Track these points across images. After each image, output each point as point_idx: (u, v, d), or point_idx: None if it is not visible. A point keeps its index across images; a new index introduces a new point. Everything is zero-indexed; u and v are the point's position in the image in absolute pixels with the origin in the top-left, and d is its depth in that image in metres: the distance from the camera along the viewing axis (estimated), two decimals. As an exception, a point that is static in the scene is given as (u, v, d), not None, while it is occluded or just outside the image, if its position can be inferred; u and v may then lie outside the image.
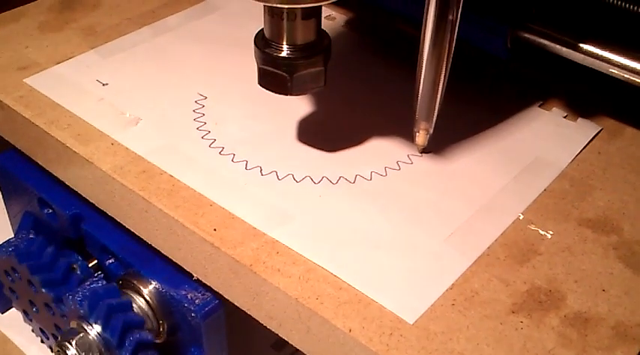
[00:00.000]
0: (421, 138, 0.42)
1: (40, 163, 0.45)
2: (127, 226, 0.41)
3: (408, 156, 0.42)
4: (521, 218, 0.39)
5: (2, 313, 0.52)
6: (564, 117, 0.46)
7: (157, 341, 0.43)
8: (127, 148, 0.41)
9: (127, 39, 0.50)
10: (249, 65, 0.41)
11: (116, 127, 0.43)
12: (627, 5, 0.44)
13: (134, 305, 0.42)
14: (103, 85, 0.46)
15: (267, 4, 0.38)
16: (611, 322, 0.34)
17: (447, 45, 0.39)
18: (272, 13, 0.39)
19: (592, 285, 0.36)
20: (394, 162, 0.42)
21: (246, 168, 0.41)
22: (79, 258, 0.47)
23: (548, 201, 0.40)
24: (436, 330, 0.33)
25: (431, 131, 0.42)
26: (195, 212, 0.38)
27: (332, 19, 0.54)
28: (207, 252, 0.37)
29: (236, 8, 0.54)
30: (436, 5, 0.38)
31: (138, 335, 0.41)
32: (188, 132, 0.43)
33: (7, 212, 0.51)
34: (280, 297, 0.35)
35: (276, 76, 0.40)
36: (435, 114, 0.41)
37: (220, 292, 0.38)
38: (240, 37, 0.50)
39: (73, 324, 0.41)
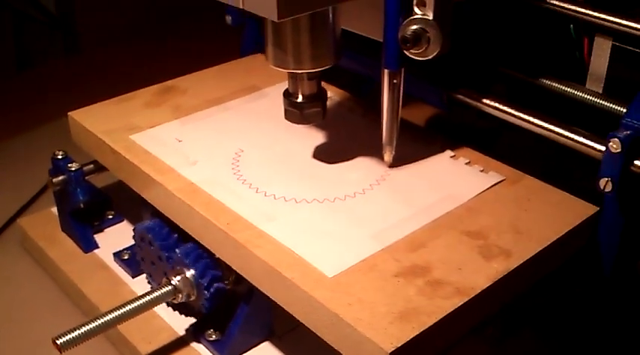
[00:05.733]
0: (387, 156, 0.71)
1: (132, 187, 0.76)
2: (181, 226, 0.71)
3: (362, 189, 0.70)
4: (422, 227, 0.65)
5: (133, 278, 0.82)
6: (481, 171, 0.72)
7: (228, 286, 0.70)
8: (185, 178, 0.72)
9: (201, 114, 0.82)
10: (277, 132, 0.71)
11: (182, 166, 0.73)
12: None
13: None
14: (179, 141, 0.77)
15: (285, 71, 0.68)
16: (457, 285, 0.59)
17: (397, 98, 0.68)
18: (291, 76, 0.69)
19: (453, 266, 0.61)
20: (352, 191, 0.70)
21: (256, 192, 0.70)
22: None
23: (446, 219, 0.66)
24: (344, 282, 0.60)
25: (393, 152, 0.71)
26: (220, 213, 0.67)
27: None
28: (222, 237, 0.66)
29: (279, 96, 0.84)
30: (388, 75, 0.67)
31: (213, 272, 0.69)
32: (226, 171, 0.73)
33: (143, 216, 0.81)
34: (259, 263, 0.63)
35: (293, 113, 0.71)
36: (395, 140, 0.70)
37: (229, 263, 0.67)
38: (277, 114, 0.80)
39: (178, 269, 0.70)
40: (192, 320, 0.76)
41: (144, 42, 1.36)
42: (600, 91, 0.74)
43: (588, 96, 0.73)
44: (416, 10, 0.65)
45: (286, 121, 0.73)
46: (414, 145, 0.75)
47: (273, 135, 0.77)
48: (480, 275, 0.60)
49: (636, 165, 0.63)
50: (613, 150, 0.62)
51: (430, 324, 0.56)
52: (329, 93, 0.82)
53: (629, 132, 0.63)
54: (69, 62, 1.38)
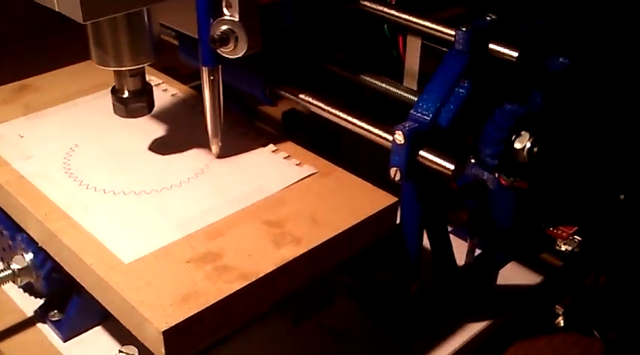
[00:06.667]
0: (214, 148, 0.77)
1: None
2: (9, 214, 0.77)
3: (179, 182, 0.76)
4: (226, 217, 0.71)
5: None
6: (297, 164, 0.78)
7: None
8: (17, 171, 0.77)
9: (48, 110, 0.87)
10: (116, 127, 0.77)
11: (16, 160, 0.78)
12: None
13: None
14: (21, 137, 0.83)
15: (108, 69, 0.74)
16: (242, 271, 0.65)
17: (217, 93, 0.74)
18: (115, 73, 0.75)
19: (245, 253, 0.67)
20: (170, 184, 0.75)
21: (80, 184, 0.75)
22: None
23: (251, 209, 0.72)
24: (138, 267, 0.65)
25: (219, 144, 0.76)
26: (41, 205, 0.72)
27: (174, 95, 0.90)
28: (40, 226, 0.71)
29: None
30: (206, 72, 0.73)
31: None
32: (56, 165, 0.78)
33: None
34: (67, 250, 0.68)
35: (119, 107, 0.76)
36: (219, 133, 0.76)
37: (48, 251, 0.72)
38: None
39: (19, 254, 0.76)
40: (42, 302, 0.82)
41: (42, 41, 1.41)
42: (415, 88, 0.79)
43: (403, 93, 0.79)
44: (225, 11, 0.70)
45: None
46: (241, 140, 0.81)
47: (111, 131, 0.83)
48: (266, 261, 0.66)
49: (421, 156, 0.68)
50: (398, 142, 0.68)
51: (207, 305, 0.61)
52: (174, 91, 0.88)
53: (413, 124, 0.68)
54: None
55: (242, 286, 0.63)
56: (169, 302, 0.61)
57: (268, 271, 0.65)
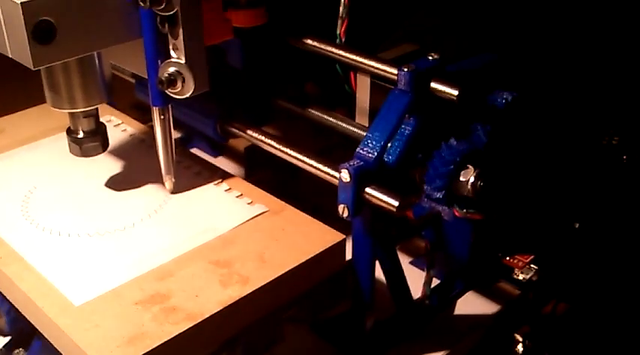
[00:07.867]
0: (169, 185, 0.80)
1: None
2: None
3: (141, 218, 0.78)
4: (176, 257, 0.73)
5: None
6: (248, 203, 0.80)
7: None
8: (-26, 214, 0.80)
9: (10, 152, 0.90)
10: (75, 168, 0.81)
11: (-27, 203, 0.81)
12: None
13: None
14: (-20, 179, 0.85)
15: (62, 111, 0.76)
16: (188, 311, 0.67)
17: (168, 131, 0.77)
18: (70, 114, 0.77)
19: (192, 293, 0.69)
20: (123, 225, 0.78)
21: (36, 227, 0.78)
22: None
23: (201, 249, 0.74)
24: (88, 310, 0.67)
25: (173, 180, 0.79)
26: (-5, 249, 0.75)
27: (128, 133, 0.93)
28: (-3, 272, 0.74)
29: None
30: (157, 112, 0.76)
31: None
32: (14, 207, 0.80)
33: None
34: (21, 293, 0.71)
35: (74, 147, 0.79)
36: (172, 169, 0.79)
37: (4, 293, 0.75)
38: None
39: None
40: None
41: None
42: (367, 125, 0.82)
43: (355, 130, 0.81)
44: (172, 53, 0.73)
45: (86, 158, 0.81)
46: (195, 179, 0.83)
47: (71, 172, 0.85)
48: (212, 301, 0.68)
49: (367, 193, 0.70)
50: (344, 180, 0.70)
51: (153, 347, 0.63)
52: (133, 130, 0.91)
53: (359, 162, 0.70)
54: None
55: (188, 327, 0.65)
56: (116, 344, 0.64)
57: (214, 312, 0.67)
